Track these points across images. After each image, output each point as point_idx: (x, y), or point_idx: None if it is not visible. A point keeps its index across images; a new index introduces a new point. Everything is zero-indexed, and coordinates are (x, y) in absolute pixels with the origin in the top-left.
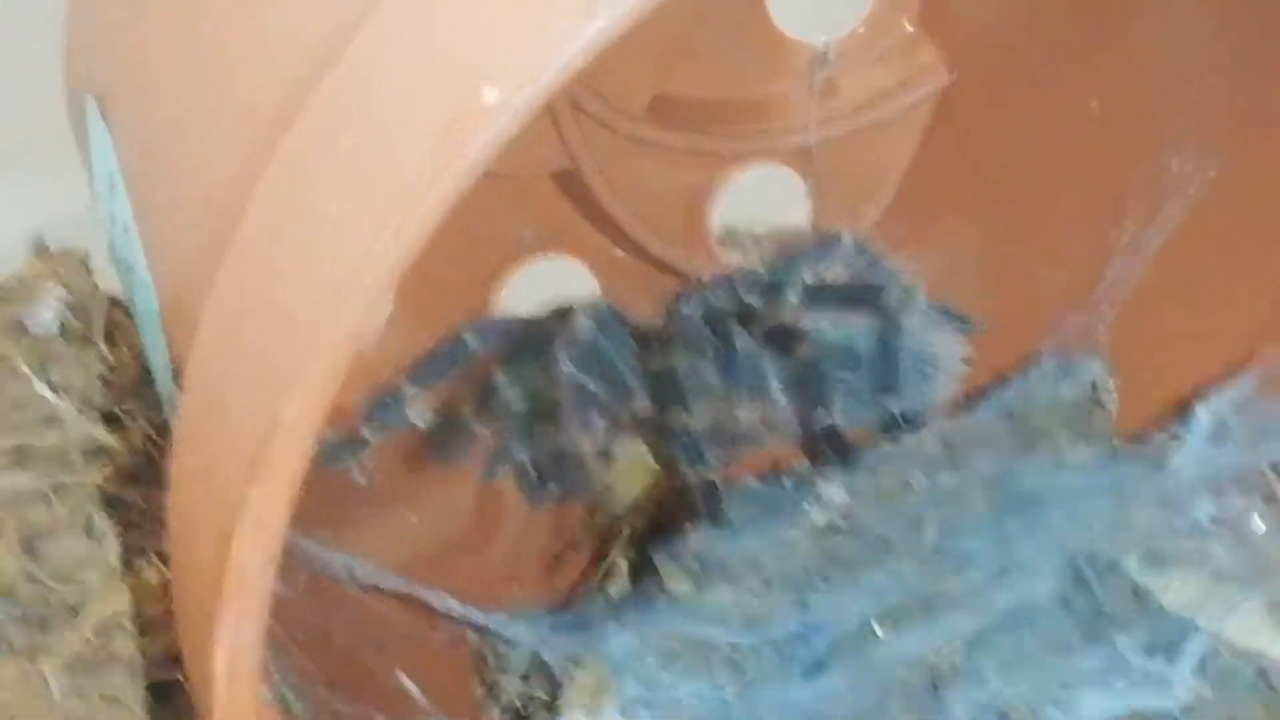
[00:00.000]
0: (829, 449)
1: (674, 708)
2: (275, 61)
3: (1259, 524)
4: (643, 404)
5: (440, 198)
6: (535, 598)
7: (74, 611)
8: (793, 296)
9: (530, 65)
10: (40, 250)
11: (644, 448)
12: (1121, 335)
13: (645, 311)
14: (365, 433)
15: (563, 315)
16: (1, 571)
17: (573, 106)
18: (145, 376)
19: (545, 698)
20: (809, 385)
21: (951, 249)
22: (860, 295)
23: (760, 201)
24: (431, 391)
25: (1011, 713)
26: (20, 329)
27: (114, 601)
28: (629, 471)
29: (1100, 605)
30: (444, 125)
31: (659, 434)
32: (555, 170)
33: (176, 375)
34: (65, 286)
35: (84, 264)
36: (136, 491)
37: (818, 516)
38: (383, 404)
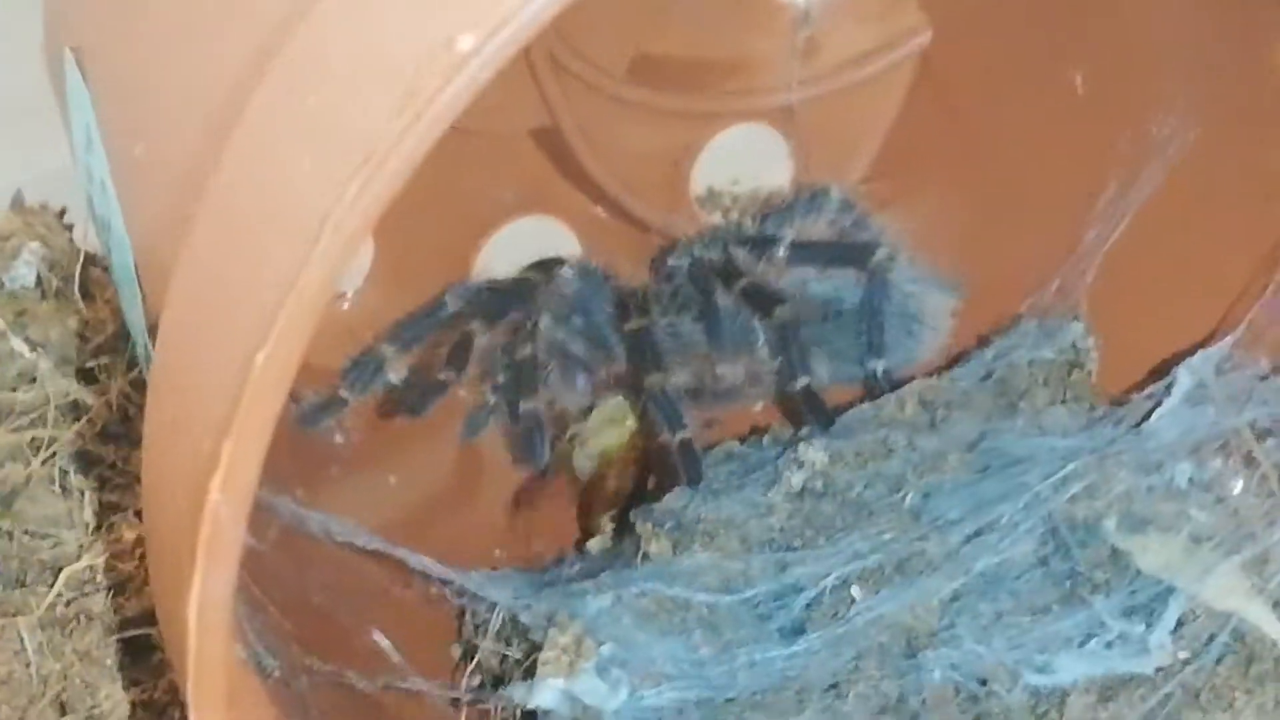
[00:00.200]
0: (807, 411)
1: (650, 668)
2: (251, 15)
3: (1237, 486)
4: (621, 364)
5: (412, 146)
6: (514, 560)
7: (49, 569)
8: (780, 252)
9: (503, 13)
10: (18, 206)
11: (623, 401)
12: (1102, 297)
13: (626, 271)
14: (344, 393)
15: (545, 267)
16: None
17: (553, 65)
18: (122, 333)
19: (522, 658)
20: (787, 346)
21: (933, 210)
22: (847, 253)
23: (742, 162)
24: (410, 353)
25: (988, 674)
26: None
27: (89, 559)
28: (603, 423)
29: (1078, 568)
30: (415, 73)
31: (636, 395)
32: (535, 127)
33: (152, 330)
34: (43, 242)
35: (61, 220)
36: (113, 449)
37: (796, 479)
38: (362, 365)
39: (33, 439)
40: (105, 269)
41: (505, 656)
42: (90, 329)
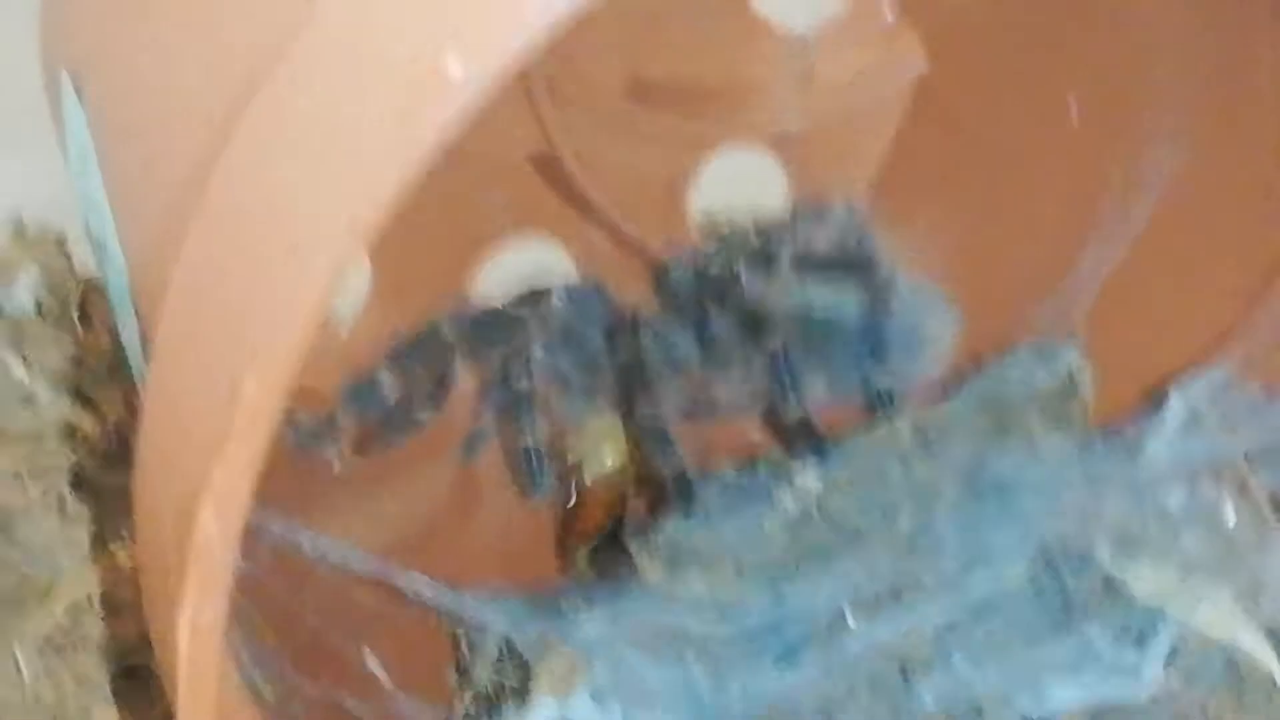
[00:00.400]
0: (801, 440)
1: (645, 694)
2: (242, 37)
3: (1230, 514)
4: (613, 391)
5: (404, 171)
6: (511, 585)
7: (46, 593)
8: (782, 267)
9: (496, 39)
10: (17, 231)
11: (616, 421)
12: (1098, 323)
13: (624, 297)
14: (340, 417)
15: (534, 299)
16: None
17: (549, 88)
18: (120, 358)
19: (517, 683)
20: (779, 375)
21: (930, 232)
22: (849, 266)
23: (739, 186)
24: (407, 377)
25: (982, 702)
26: None
27: (86, 583)
28: (598, 443)
29: (1071, 595)
30: (407, 99)
31: (628, 424)
32: (532, 153)
33: (146, 353)
34: (41, 267)
35: (60, 245)
36: (110, 473)
37: (791, 505)
38: (358, 389)
39: (30, 464)
40: (104, 293)
41: (501, 681)
42: (88, 354)
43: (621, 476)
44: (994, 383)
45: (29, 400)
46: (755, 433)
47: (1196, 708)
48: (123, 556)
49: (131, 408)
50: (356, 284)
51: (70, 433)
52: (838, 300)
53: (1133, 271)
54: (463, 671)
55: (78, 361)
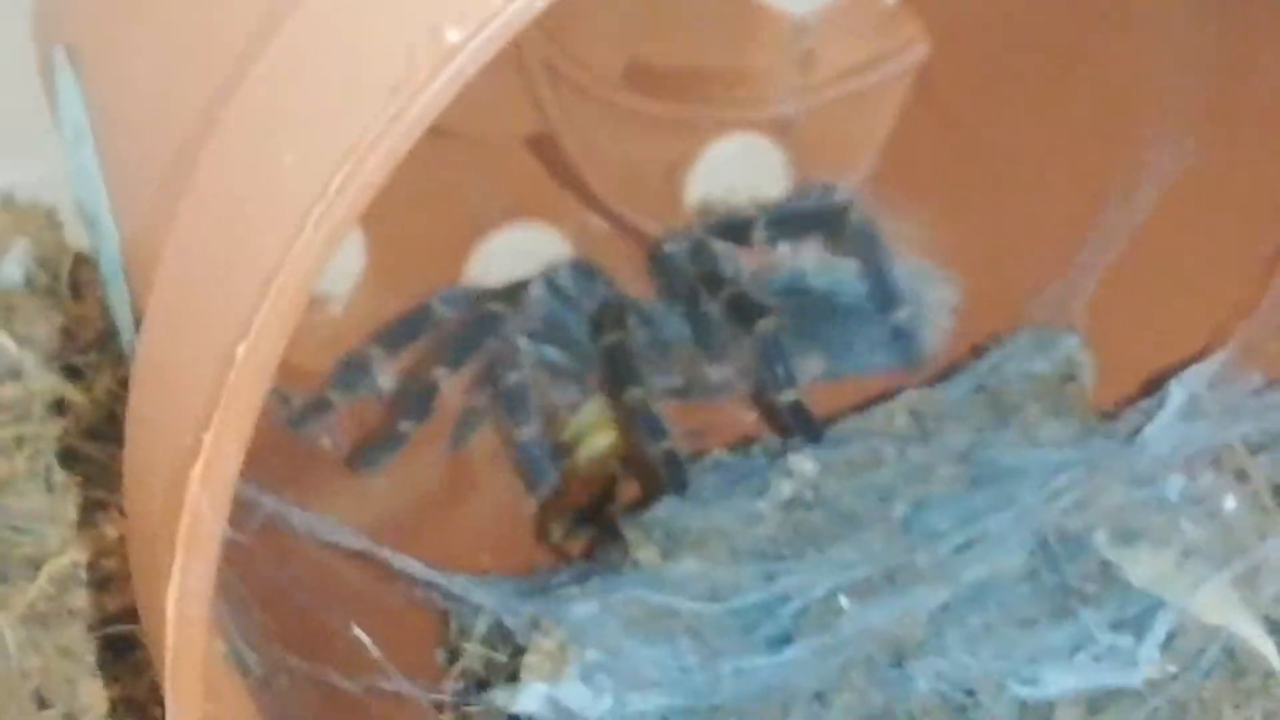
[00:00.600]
0: (795, 424)
1: (635, 675)
2: (237, 11)
3: (1229, 500)
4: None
5: (397, 139)
6: (503, 566)
7: (32, 564)
8: (759, 232)
9: (492, 6)
10: (8, 204)
11: (606, 403)
12: (1098, 311)
13: (621, 281)
14: (332, 396)
15: (513, 291)
16: None
17: (549, 71)
18: (110, 331)
19: (507, 663)
20: (770, 360)
21: (929, 221)
22: (822, 217)
23: (738, 172)
24: (398, 357)
25: (976, 685)
26: None
27: (72, 555)
28: (590, 427)
29: (1068, 580)
30: (402, 66)
31: (616, 405)
32: (530, 133)
33: (138, 324)
34: (32, 240)
35: (51, 218)
36: (98, 446)
37: (785, 488)
38: (350, 368)
39: (17, 435)
40: (94, 267)
41: (490, 661)
42: (78, 327)
43: (611, 457)
44: (993, 369)
45: (17, 372)
46: (750, 417)
47: (1193, 693)
48: (109, 529)
49: (120, 381)
50: (351, 264)
51: (58, 405)
52: (833, 279)
53: (1133, 262)
54: (452, 651)
55: (67, 334)
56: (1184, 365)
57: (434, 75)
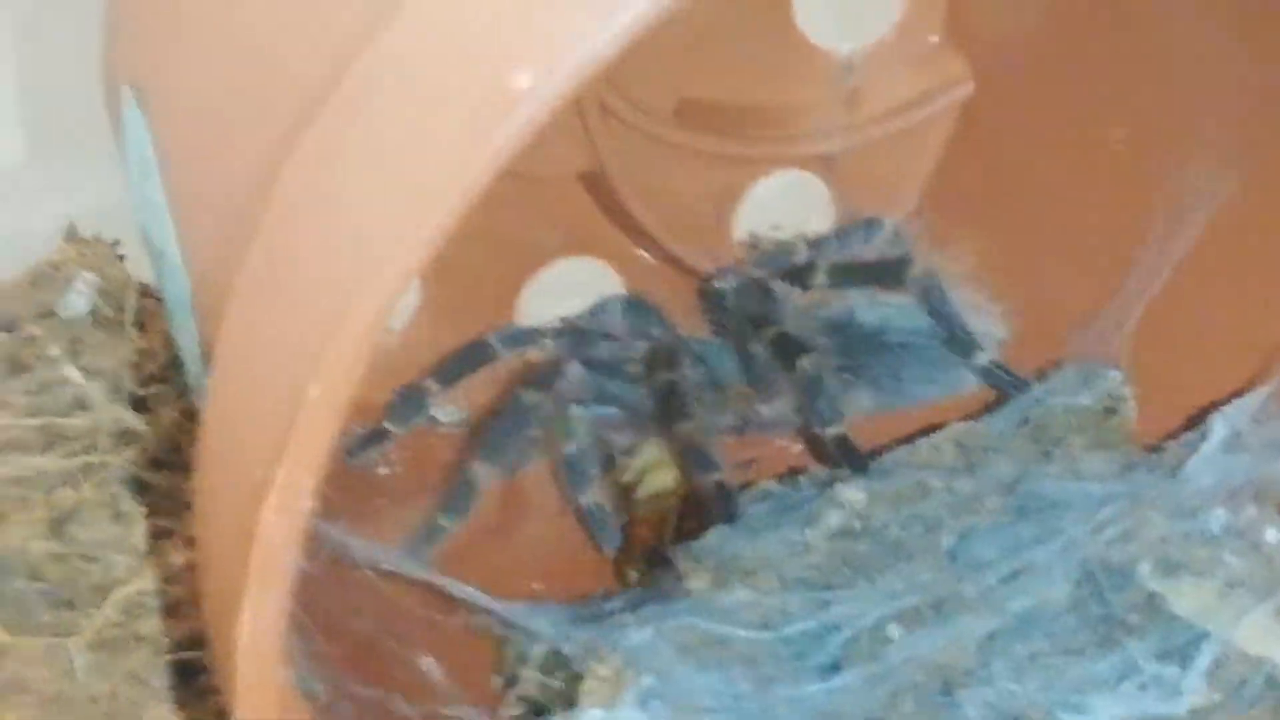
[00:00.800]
0: (840, 458)
1: (689, 700)
2: (309, 49)
3: (1271, 533)
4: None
5: (469, 183)
6: (553, 593)
7: (100, 592)
8: (820, 278)
9: (562, 53)
10: (72, 237)
11: (664, 445)
12: (1141, 345)
13: (672, 316)
14: (389, 426)
15: (549, 376)
16: (29, 551)
17: (600, 108)
18: (174, 363)
19: (563, 689)
20: (814, 397)
21: (973, 257)
22: (886, 271)
23: (784, 208)
24: (453, 388)
25: (1023, 714)
26: (51, 313)
27: (139, 582)
28: (648, 468)
29: (1113, 611)
30: (473, 111)
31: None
32: (582, 171)
33: (205, 359)
34: (96, 272)
35: (115, 251)
36: (163, 475)
37: (834, 519)
38: (406, 399)
39: (84, 464)
40: (158, 299)
41: (546, 687)
42: (142, 358)
43: (671, 495)
44: (1037, 403)
45: (84, 404)
46: (797, 448)
47: None
48: (175, 557)
49: (185, 412)
50: (407, 297)
51: (124, 435)
52: (882, 315)
53: (1176, 295)
54: (508, 678)
55: (132, 366)
56: (1227, 399)
57: (504, 119)
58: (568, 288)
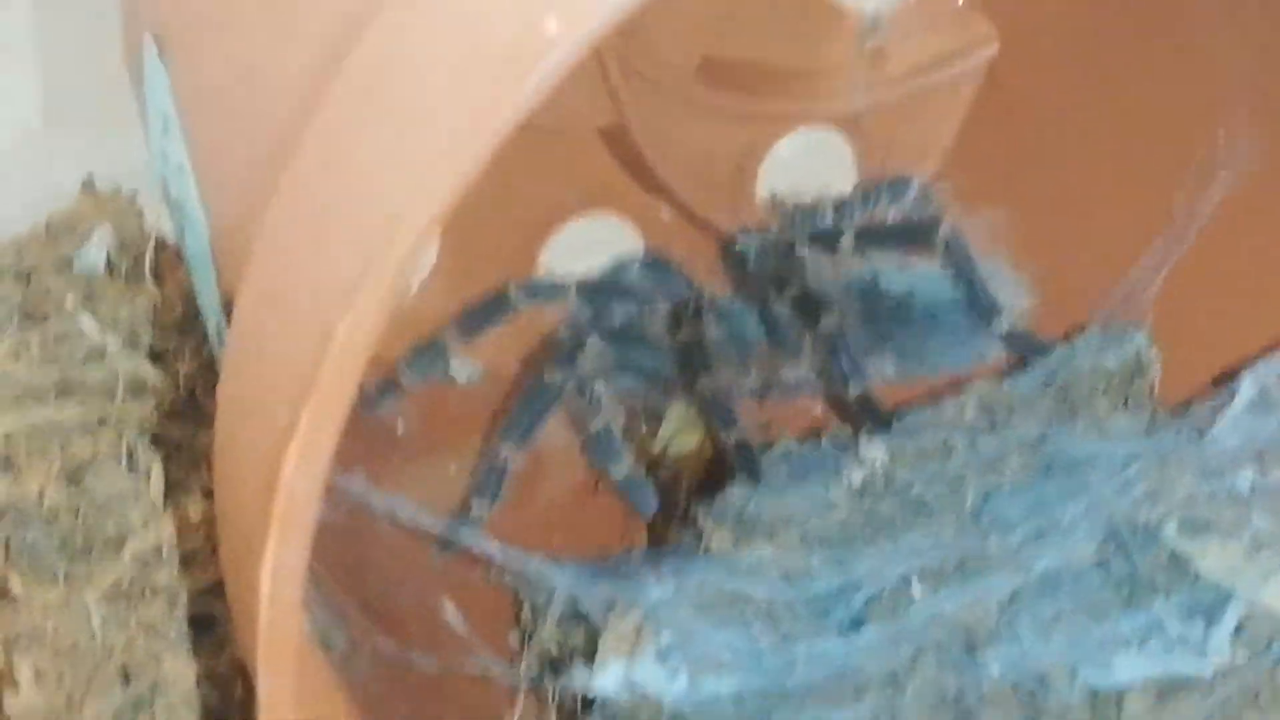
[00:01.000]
0: (863, 416)
1: (709, 657)
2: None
3: None
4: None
5: (499, 125)
6: (573, 551)
7: (116, 543)
8: (846, 241)
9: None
10: (89, 189)
11: (691, 407)
12: (1167, 307)
13: (693, 273)
14: (404, 379)
15: (573, 354)
16: (45, 501)
17: (622, 65)
18: (191, 315)
19: (582, 645)
20: (837, 355)
21: (998, 217)
22: (913, 233)
23: (807, 166)
24: (470, 343)
25: (1047, 673)
26: (68, 265)
27: (155, 534)
28: (677, 429)
29: (1138, 570)
30: (505, 54)
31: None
32: (603, 125)
33: (226, 308)
34: (113, 225)
35: (131, 203)
36: (179, 427)
37: (856, 476)
38: (422, 353)
39: (100, 416)
40: (176, 252)
41: (564, 643)
42: (159, 310)
43: (698, 455)
44: (1061, 364)
45: (100, 355)
46: (818, 408)
47: (1262, 682)
48: (191, 508)
49: (202, 364)
50: (425, 252)
51: (141, 387)
52: (907, 280)
53: (1203, 256)
54: (527, 633)
55: (149, 318)
56: (1254, 359)
57: (536, 63)
58: (586, 245)
